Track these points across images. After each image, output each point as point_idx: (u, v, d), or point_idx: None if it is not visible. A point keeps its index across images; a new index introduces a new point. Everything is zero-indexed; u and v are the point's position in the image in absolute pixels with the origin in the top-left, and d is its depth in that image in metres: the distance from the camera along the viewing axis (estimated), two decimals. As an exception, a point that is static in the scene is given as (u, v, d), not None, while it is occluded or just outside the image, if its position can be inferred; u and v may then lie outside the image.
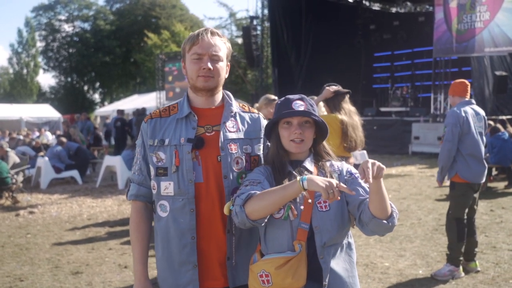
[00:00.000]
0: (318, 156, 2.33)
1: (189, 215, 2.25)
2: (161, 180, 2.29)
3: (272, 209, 2.08)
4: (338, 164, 2.33)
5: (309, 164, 2.26)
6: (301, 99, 2.27)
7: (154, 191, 2.33)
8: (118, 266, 5.91)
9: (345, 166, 2.32)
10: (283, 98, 2.33)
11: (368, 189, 2.16)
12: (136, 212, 2.40)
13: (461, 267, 5.35)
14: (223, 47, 2.32)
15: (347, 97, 5.16)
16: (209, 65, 2.25)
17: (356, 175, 2.24)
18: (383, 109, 21.26)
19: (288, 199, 2.07)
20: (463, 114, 5.31)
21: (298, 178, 2.05)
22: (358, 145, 5.11)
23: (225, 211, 2.19)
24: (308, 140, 2.26)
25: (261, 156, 2.41)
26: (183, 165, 2.25)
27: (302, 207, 2.16)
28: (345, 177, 2.26)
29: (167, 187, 2.28)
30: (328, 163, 2.31)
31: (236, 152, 2.31)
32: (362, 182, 2.20)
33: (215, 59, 2.27)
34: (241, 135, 2.35)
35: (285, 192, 2.05)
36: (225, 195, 2.27)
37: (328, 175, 2.22)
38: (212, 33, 2.31)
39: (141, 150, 2.37)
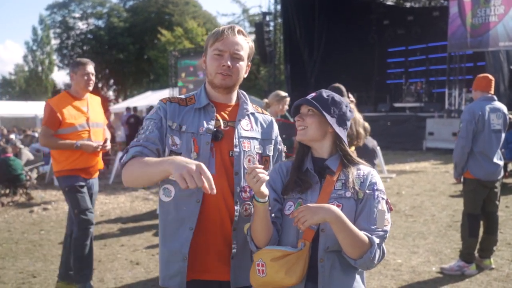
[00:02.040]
0: (344, 156, 2.23)
1: (194, 205, 2.22)
2: None
3: (260, 234, 2.08)
4: (365, 170, 2.20)
5: (332, 163, 2.19)
6: (317, 91, 2.27)
7: None
8: (130, 263, 5.92)
9: (372, 177, 2.18)
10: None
11: (376, 219, 2.08)
12: (136, 158, 2.17)
13: (474, 264, 5.28)
14: (245, 46, 2.30)
15: (346, 93, 5.29)
16: (229, 63, 2.23)
17: (376, 195, 2.11)
18: (397, 104, 21.12)
19: (263, 219, 2.04)
20: (479, 111, 5.21)
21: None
22: (356, 140, 5.21)
23: (246, 229, 2.18)
24: (311, 128, 2.20)
25: (271, 157, 2.41)
26: (200, 155, 2.23)
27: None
28: (366, 190, 2.13)
29: None
30: (355, 167, 2.19)
31: (248, 150, 2.30)
32: (376, 207, 2.08)
33: (236, 57, 2.26)
34: (254, 135, 2.35)
35: (257, 216, 2.05)
36: (234, 191, 2.25)
37: (351, 180, 2.14)
38: (238, 32, 2.29)
39: (157, 122, 2.24)
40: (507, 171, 10.94)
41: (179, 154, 2.21)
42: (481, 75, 5.51)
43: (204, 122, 2.26)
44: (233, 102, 2.39)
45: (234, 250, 2.27)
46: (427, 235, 6.68)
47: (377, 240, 2.04)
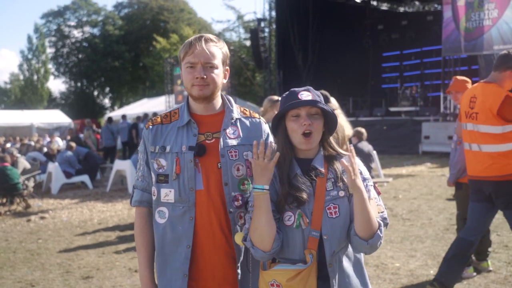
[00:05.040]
0: (325, 151, 2.24)
1: (188, 223, 2.25)
2: (161, 187, 2.29)
3: (265, 230, 2.07)
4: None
5: (319, 163, 2.18)
6: (307, 90, 2.22)
7: (154, 197, 2.33)
8: (129, 270, 5.92)
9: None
10: (288, 91, 2.27)
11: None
12: (141, 217, 2.39)
13: (472, 267, 5.30)
14: (218, 53, 2.28)
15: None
16: (202, 74, 2.23)
17: (365, 185, 2.13)
18: (392, 109, 21.17)
19: (266, 212, 2.06)
20: None
21: (251, 187, 2.09)
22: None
23: (237, 240, 2.19)
24: (317, 133, 2.17)
25: None
26: (184, 173, 2.25)
27: (311, 213, 2.11)
28: None
29: (168, 194, 2.27)
30: (338, 160, 2.21)
31: (236, 159, 2.29)
32: (369, 198, 2.12)
33: (208, 67, 2.25)
34: (241, 142, 2.33)
35: (259, 210, 2.06)
36: (226, 202, 2.27)
37: (339, 177, 2.15)
38: (206, 40, 2.27)
39: (144, 156, 2.36)
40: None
41: (166, 175, 2.28)
42: (461, 78, 5.50)
43: (187, 140, 2.29)
44: (218, 110, 2.37)
45: (241, 258, 2.30)
46: (425, 239, 6.69)
47: (381, 222, 2.12)
